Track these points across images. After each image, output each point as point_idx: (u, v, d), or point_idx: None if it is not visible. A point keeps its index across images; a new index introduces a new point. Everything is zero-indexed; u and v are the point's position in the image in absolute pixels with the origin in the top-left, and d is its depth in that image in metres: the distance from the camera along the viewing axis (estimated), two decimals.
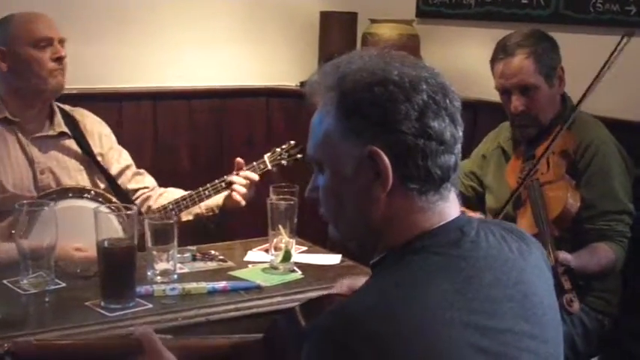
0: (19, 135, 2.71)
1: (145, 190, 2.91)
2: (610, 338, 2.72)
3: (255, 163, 2.78)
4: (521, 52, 2.68)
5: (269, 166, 2.80)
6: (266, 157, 2.81)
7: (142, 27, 3.73)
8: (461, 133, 1.28)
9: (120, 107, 3.65)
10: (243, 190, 2.71)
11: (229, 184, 2.73)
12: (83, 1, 3.57)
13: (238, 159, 2.76)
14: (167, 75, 3.83)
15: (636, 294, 2.79)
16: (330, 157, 1.30)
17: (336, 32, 3.97)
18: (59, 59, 2.69)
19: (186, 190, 2.82)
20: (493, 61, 2.76)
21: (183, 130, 3.84)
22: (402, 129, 1.23)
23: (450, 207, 1.29)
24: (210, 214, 2.84)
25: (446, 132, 1.25)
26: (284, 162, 2.82)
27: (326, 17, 4.00)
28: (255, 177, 2.74)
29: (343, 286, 1.72)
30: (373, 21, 3.87)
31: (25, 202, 2.25)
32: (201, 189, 2.75)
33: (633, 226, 2.68)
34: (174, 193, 2.85)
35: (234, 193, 2.71)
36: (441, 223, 1.27)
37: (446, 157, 1.26)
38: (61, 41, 2.73)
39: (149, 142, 3.75)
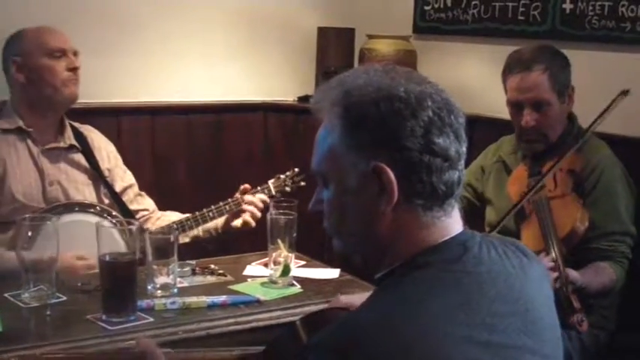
0: (31, 145, 2.74)
1: (145, 212, 2.94)
2: (606, 353, 2.73)
3: (259, 188, 2.82)
4: (538, 67, 2.66)
5: (273, 192, 2.83)
6: (270, 183, 2.85)
7: (140, 42, 3.74)
8: (464, 149, 1.29)
9: (118, 122, 3.66)
10: (259, 214, 2.75)
11: (238, 207, 2.75)
12: (80, 15, 3.56)
13: (246, 185, 2.80)
14: (165, 90, 3.84)
15: (631, 309, 2.81)
16: (335, 170, 1.30)
17: (334, 48, 3.99)
18: (74, 69, 2.75)
19: (183, 213, 2.83)
20: (507, 73, 2.73)
21: (181, 144, 3.85)
22: (407, 145, 1.23)
23: (453, 222, 1.30)
24: (207, 236, 2.87)
25: (451, 148, 1.26)
26: (287, 189, 2.87)
27: (324, 33, 4.02)
28: (267, 199, 2.77)
29: (340, 302, 1.72)
30: (370, 37, 3.89)
31: (27, 215, 2.27)
32: (205, 210, 2.77)
33: (634, 248, 2.69)
34: (172, 217, 2.87)
35: (246, 215, 2.74)
36: (445, 239, 1.28)
37: (450, 174, 1.26)
38: (75, 54, 2.78)
39: (147, 157, 3.75)
